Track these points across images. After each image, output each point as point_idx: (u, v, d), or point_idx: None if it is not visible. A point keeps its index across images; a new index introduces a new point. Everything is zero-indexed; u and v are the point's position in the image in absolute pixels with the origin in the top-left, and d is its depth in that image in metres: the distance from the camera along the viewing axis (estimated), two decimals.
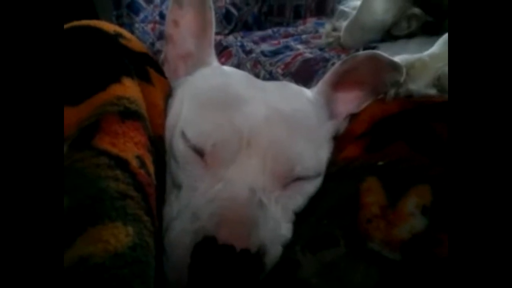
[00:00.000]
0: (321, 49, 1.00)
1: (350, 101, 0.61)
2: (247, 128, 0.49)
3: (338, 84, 0.60)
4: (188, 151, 0.49)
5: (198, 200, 0.47)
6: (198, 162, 0.49)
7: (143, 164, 0.38)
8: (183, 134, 0.50)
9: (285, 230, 0.49)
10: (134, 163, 0.37)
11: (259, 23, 1.79)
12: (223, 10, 1.78)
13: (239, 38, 1.25)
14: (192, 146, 0.49)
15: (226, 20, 1.80)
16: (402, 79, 0.57)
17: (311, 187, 0.52)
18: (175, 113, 0.54)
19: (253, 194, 0.46)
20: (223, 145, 0.48)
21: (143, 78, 0.51)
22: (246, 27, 1.76)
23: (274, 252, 0.45)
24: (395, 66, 0.57)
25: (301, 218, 0.51)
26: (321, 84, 0.61)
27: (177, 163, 0.50)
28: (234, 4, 1.81)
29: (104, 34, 0.52)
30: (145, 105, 0.47)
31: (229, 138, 0.49)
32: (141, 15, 1.63)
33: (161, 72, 0.58)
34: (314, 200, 0.51)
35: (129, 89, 0.44)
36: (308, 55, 0.95)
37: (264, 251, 0.44)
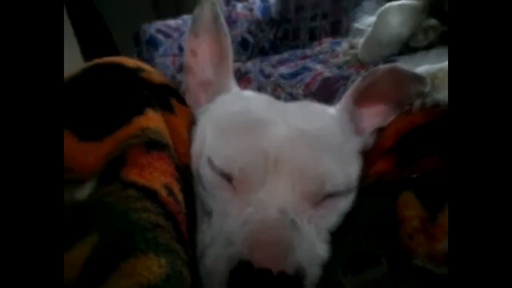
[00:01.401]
0: (339, 68, 1.00)
1: (374, 116, 0.60)
2: (272, 150, 0.49)
3: (361, 99, 0.60)
4: (216, 177, 0.49)
5: (230, 225, 0.46)
6: (227, 187, 0.49)
7: (171, 192, 0.38)
8: (210, 161, 0.50)
9: (321, 250, 0.47)
10: (163, 192, 0.37)
11: (275, 47, 1.81)
12: (239, 38, 1.81)
13: (257, 63, 1.26)
14: (219, 172, 0.49)
15: (243, 47, 1.83)
16: (427, 90, 0.56)
17: (343, 204, 0.51)
18: (199, 140, 0.54)
19: (284, 215, 0.46)
20: (250, 168, 0.48)
21: (166, 108, 0.51)
22: (263, 53, 1.78)
23: (313, 273, 0.44)
24: (417, 78, 0.56)
25: (336, 237, 0.49)
26: (344, 101, 0.60)
27: (206, 190, 0.50)
28: (249, 32, 1.84)
29: (125, 69, 0.53)
30: (169, 134, 0.47)
31: (255, 161, 0.48)
32: (161, 49, 1.67)
33: (183, 102, 0.58)
34: (349, 218, 0.50)
35: (152, 120, 0.44)
36: (327, 74, 0.95)
37: (302, 273, 0.43)
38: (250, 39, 1.85)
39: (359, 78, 0.60)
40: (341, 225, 0.50)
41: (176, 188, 0.40)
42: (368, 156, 0.57)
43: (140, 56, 1.75)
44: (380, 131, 0.60)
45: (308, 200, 0.48)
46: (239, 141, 0.50)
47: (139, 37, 1.76)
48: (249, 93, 0.63)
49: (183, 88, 0.67)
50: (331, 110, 0.59)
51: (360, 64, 0.98)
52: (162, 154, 0.41)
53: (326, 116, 0.57)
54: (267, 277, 0.40)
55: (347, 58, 1.01)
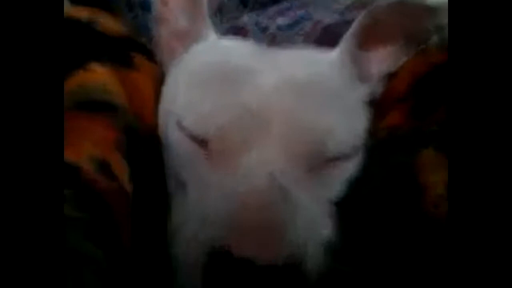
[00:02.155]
0: (341, 14, 0.88)
1: (382, 59, 0.49)
2: (257, 104, 0.40)
3: (365, 40, 0.49)
4: (187, 142, 0.40)
5: (207, 200, 0.37)
6: (201, 155, 0.40)
7: (103, 166, 0.29)
8: (179, 122, 0.41)
9: (324, 227, 0.38)
10: (89, 167, 0.27)
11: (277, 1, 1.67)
12: None
13: (253, 17, 1.14)
14: (190, 135, 0.40)
15: (243, 4, 1.70)
16: (444, 22, 0.45)
17: (348, 167, 0.41)
18: (168, 98, 0.45)
19: (274, 185, 0.36)
20: (228, 128, 0.39)
21: (124, 64, 0.41)
22: (264, 7, 1.64)
23: (314, 256, 0.35)
24: (430, 9, 0.45)
25: (342, 210, 0.40)
26: (344, 43, 0.49)
27: (177, 158, 0.41)
28: None
29: (74, 22, 0.44)
30: (127, 93, 0.38)
31: (235, 118, 0.39)
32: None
33: (150, 57, 0.48)
34: (355, 184, 0.41)
35: (96, 75, 0.35)
36: (328, 20, 0.83)
37: (298, 258, 0.34)
38: None
39: (361, 15, 0.49)
40: (346, 194, 0.41)
41: (115, 159, 0.30)
42: (377, 106, 0.47)
43: (135, 21, 1.63)
44: (391, 76, 0.49)
45: (306, 164, 0.39)
46: (215, 96, 0.40)
47: (131, 2, 1.64)
48: (229, 40, 0.53)
49: (155, 42, 0.58)
50: (331, 55, 0.49)
51: (365, 5, 0.85)
52: (99, 116, 0.31)
53: (323, 62, 0.47)
54: (249, 268, 0.31)
55: (350, 1, 0.89)
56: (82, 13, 0.46)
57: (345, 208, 0.40)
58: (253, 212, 0.34)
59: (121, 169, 0.31)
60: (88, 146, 0.29)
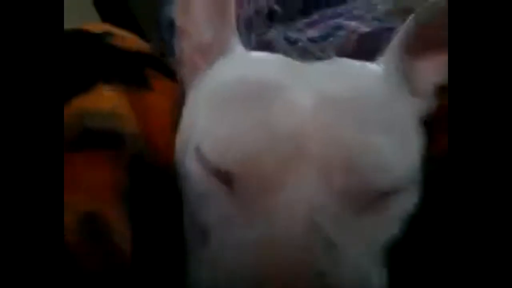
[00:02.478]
0: (380, 20, 0.81)
1: (434, 70, 0.42)
2: (289, 126, 0.33)
3: (413, 49, 0.42)
4: (208, 176, 0.33)
5: (232, 250, 0.31)
6: (225, 192, 0.33)
7: (92, 221, 0.23)
8: (198, 151, 0.34)
9: (376, 277, 0.31)
10: (75, 227, 0.21)
11: (304, 13, 1.61)
12: (265, 10, 1.63)
13: (281, 30, 1.08)
14: (211, 168, 0.33)
15: (269, 19, 1.65)
16: None
17: (406, 203, 0.34)
18: (188, 122, 0.38)
19: (315, 229, 0.30)
20: (256, 155, 0.32)
21: (137, 82, 0.36)
22: (292, 20, 1.59)
23: None
24: None
25: (397, 256, 0.33)
26: (390, 52, 0.42)
27: (195, 197, 0.34)
28: (277, 1, 1.65)
29: (86, 35, 0.39)
30: (139, 116, 0.32)
31: (265, 143, 0.32)
32: None
33: (169, 74, 0.43)
34: (412, 225, 0.34)
35: (102, 99, 0.29)
36: (364, 29, 0.76)
37: None
38: (277, 8, 1.66)
39: (407, 21, 0.42)
40: (402, 237, 0.33)
41: (112, 211, 0.24)
42: (429, 127, 0.40)
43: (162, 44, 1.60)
44: (444, 89, 0.42)
45: (351, 202, 0.32)
46: (239, 116, 0.34)
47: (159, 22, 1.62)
48: (257, 54, 0.46)
49: (178, 59, 0.52)
50: (374, 67, 0.42)
51: (408, 10, 0.78)
52: (99, 155, 0.25)
53: (366, 74, 0.40)
54: None
55: (389, 6, 0.82)
56: (97, 27, 0.41)
57: (401, 254, 0.33)
58: (289, 265, 0.28)
59: (121, 223, 0.25)
60: (80, 198, 0.23)
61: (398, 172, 0.33)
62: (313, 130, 0.33)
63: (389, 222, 0.33)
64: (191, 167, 0.35)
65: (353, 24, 0.88)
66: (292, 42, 0.97)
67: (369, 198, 0.32)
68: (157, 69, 0.41)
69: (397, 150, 0.33)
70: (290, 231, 0.29)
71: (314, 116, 0.33)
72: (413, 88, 0.41)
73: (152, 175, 0.30)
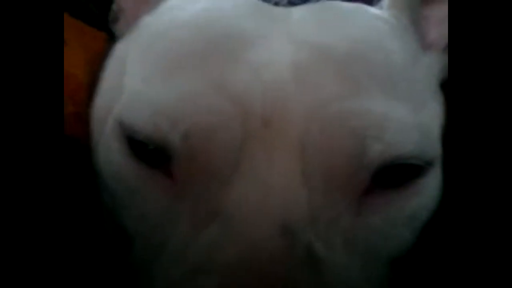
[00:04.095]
0: None
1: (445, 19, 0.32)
2: (261, 92, 0.22)
3: None
4: (135, 162, 0.23)
5: (166, 271, 0.21)
6: (159, 183, 0.23)
7: None
8: (123, 125, 0.23)
9: None
10: None
11: None
12: None
13: None
14: (143, 150, 0.23)
15: None
16: None
17: (421, 195, 0.24)
18: (110, 85, 0.27)
19: (290, 236, 0.20)
20: (209, 134, 0.22)
21: None
22: None
23: None
24: None
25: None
26: None
27: (116, 189, 0.24)
28: None
29: None
30: None
31: (223, 116, 0.22)
32: None
33: (90, 20, 0.31)
34: (431, 227, 0.24)
35: None
36: None
37: None
38: None
39: None
40: (416, 245, 0.24)
41: None
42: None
43: None
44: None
45: (343, 194, 0.22)
46: (189, 78, 0.23)
47: None
48: None
49: (115, 12, 0.40)
50: (376, 11, 0.30)
51: None
52: None
53: (368, 21, 0.28)
54: None
55: None
56: None
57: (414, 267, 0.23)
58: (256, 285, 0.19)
59: None
60: None
61: (410, 150, 0.22)
62: (292, 96, 0.22)
63: (397, 224, 0.23)
64: (110, 146, 0.24)
65: None
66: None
67: (368, 189, 0.22)
68: (74, 14, 0.29)
69: (408, 120, 0.23)
70: (255, 239, 0.20)
71: (294, 75, 0.23)
72: (425, 42, 0.30)
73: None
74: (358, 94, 0.22)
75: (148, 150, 0.22)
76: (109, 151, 0.24)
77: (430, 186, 0.24)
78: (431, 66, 0.29)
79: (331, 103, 0.22)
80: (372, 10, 0.30)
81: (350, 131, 0.21)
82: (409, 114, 0.24)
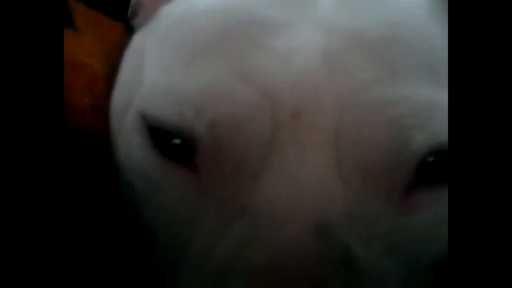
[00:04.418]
0: None
1: None
2: (290, 81, 0.21)
3: None
4: (158, 156, 0.22)
5: (190, 272, 0.21)
6: (184, 177, 0.22)
7: None
8: (144, 117, 0.23)
9: None
10: None
11: None
12: None
13: None
14: (165, 142, 0.22)
15: None
16: None
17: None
18: (129, 78, 0.26)
19: (326, 236, 0.19)
20: (233, 123, 0.20)
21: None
22: None
23: None
24: None
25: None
26: None
27: (139, 184, 0.23)
28: None
29: None
30: None
31: (247, 106, 0.21)
32: None
33: (112, 13, 0.30)
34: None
35: None
36: None
37: None
38: None
39: None
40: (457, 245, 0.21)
41: None
42: None
43: None
44: None
45: (384, 190, 0.20)
46: (213, 68, 0.22)
47: None
48: None
49: (134, 6, 0.39)
50: None
51: None
52: None
53: (407, 2, 0.26)
54: None
55: None
56: None
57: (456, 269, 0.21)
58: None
59: None
60: None
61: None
62: (322, 84, 0.21)
63: (446, 224, 0.21)
64: (131, 140, 0.23)
65: None
66: None
67: (414, 185, 0.21)
68: (90, 3, 0.28)
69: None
70: (287, 239, 0.19)
71: (325, 63, 0.21)
72: None
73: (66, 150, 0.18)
74: (396, 80, 0.21)
75: (171, 144, 0.21)
76: (130, 145, 0.23)
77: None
78: None
79: (366, 90, 0.20)
80: None
81: (388, 120, 0.20)
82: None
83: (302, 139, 0.20)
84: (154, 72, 0.24)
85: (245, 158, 0.20)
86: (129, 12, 0.35)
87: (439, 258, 0.22)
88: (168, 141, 0.21)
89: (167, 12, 0.28)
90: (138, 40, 0.28)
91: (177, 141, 0.21)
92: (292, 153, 0.20)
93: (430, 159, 0.20)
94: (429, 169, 0.20)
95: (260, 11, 0.23)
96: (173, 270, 0.21)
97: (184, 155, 0.21)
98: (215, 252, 0.19)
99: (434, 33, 0.24)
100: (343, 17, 0.23)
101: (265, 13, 0.23)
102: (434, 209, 0.21)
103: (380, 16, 0.23)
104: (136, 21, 0.33)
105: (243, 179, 0.20)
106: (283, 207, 0.19)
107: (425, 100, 0.21)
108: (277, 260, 0.18)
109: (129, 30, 0.31)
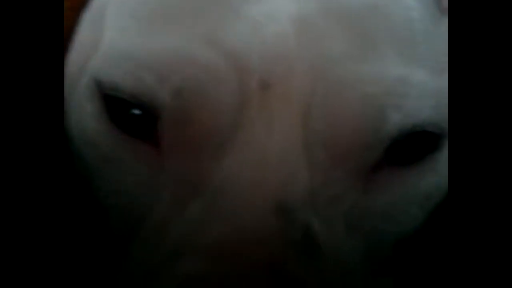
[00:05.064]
0: None
1: None
2: (261, 49, 0.19)
3: None
4: (113, 129, 0.20)
5: (144, 251, 0.20)
6: (144, 152, 0.20)
7: None
8: (98, 83, 0.20)
9: None
10: None
11: None
12: None
13: None
14: (122, 113, 0.20)
15: None
16: None
17: (436, 171, 0.22)
18: (85, 39, 0.24)
19: (287, 218, 0.18)
20: (200, 92, 0.19)
21: None
22: None
23: None
24: None
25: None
26: None
27: (90, 156, 0.21)
28: None
29: None
30: None
31: (214, 73, 0.19)
32: None
33: None
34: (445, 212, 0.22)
35: None
36: None
37: None
38: None
39: None
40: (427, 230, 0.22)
41: None
42: None
43: None
44: None
45: (351, 165, 0.20)
46: (181, 32, 0.20)
47: None
48: None
49: None
50: None
51: None
52: None
53: None
54: None
55: None
56: None
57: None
58: (248, 274, 0.17)
59: None
60: None
61: (428, 115, 0.20)
62: (295, 53, 0.19)
63: (409, 205, 0.21)
64: (84, 109, 0.21)
65: None
66: None
67: (378, 164, 0.20)
68: None
69: (428, 85, 0.21)
70: (245, 218, 0.18)
71: (299, 31, 0.20)
72: (441, 7, 0.27)
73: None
74: (373, 54, 0.20)
75: (129, 115, 0.20)
76: (82, 114, 0.21)
77: (446, 162, 0.21)
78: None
79: (341, 63, 0.19)
80: None
81: (362, 98, 0.19)
82: (428, 77, 0.21)
83: (270, 112, 0.19)
84: (113, 33, 0.22)
85: (210, 131, 0.19)
86: None
87: (403, 237, 0.21)
88: (126, 112, 0.20)
89: None
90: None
91: (136, 111, 0.20)
92: (259, 128, 0.19)
93: (400, 139, 0.19)
94: (397, 150, 0.20)
95: None
96: (127, 250, 0.20)
97: (143, 127, 0.20)
98: (171, 230, 0.18)
99: (412, 5, 0.22)
100: None
101: None
102: (398, 190, 0.20)
103: None
104: None
105: (205, 154, 0.19)
106: (244, 185, 0.18)
107: (402, 78, 0.20)
108: (234, 240, 0.17)
109: None
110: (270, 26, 0.20)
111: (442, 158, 0.21)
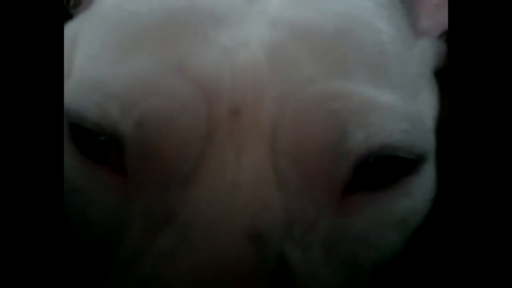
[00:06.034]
0: None
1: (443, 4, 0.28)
2: (230, 76, 0.19)
3: None
4: (77, 156, 0.20)
5: (115, 283, 0.19)
6: (107, 178, 0.20)
7: None
8: (66, 112, 0.20)
9: None
10: None
11: None
12: None
13: None
14: (88, 143, 0.20)
15: None
16: None
17: (411, 195, 0.21)
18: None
19: (260, 245, 0.17)
20: (164, 122, 0.18)
21: None
22: None
23: None
24: None
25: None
26: None
27: (66, 190, 0.21)
28: None
29: None
30: None
31: (181, 101, 0.19)
32: None
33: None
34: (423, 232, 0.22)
35: None
36: None
37: None
38: None
39: None
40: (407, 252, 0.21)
41: None
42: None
43: None
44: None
45: (322, 185, 0.19)
46: (143, 56, 0.20)
47: None
48: None
49: None
50: None
51: None
52: None
53: None
54: None
55: None
56: None
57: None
58: None
59: None
60: None
61: (398, 139, 0.19)
62: (265, 79, 0.19)
63: (384, 228, 0.21)
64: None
65: None
66: None
67: (352, 188, 0.19)
68: None
69: (397, 107, 0.20)
70: (217, 249, 0.17)
71: (269, 57, 0.20)
72: (418, 28, 0.27)
73: None
74: (340, 75, 0.19)
75: (96, 142, 0.19)
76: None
77: (423, 186, 0.21)
78: (424, 52, 0.26)
79: (308, 85, 0.19)
80: None
81: (327, 115, 0.18)
82: (399, 100, 0.21)
83: (240, 139, 0.18)
84: (82, 63, 0.22)
85: (175, 162, 0.18)
86: (71, 1, 0.32)
87: (383, 263, 0.20)
88: (93, 140, 0.19)
89: (101, 4, 0.25)
90: (72, 27, 0.25)
91: (102, 138, 0.19)
92: (228, 155, 0.18)
93: (370, 160, 0.19)
94: (368, 173, 0.19)
95: (203, 0, 0.21)
96: (98, 277, 0.19)
97: (110, 156, 0.19)
98: (141, 260, 0.18)
99: (383, 28, 0.22)
100: (290, 9, 0.21)
101: (209, 2, 0.21)
102: (372, 213, 0.20)
103: (328, 9, 0.21)
104: (78, 11, 0.31)
105: (174, 183, 0.18)
106: (214, 215, 0.17)
107: (368, 98, 0.19)
108: (206, 272, 0.16)
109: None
110: (241, 52, 0.19)
111: (418, 182, 0.21)
